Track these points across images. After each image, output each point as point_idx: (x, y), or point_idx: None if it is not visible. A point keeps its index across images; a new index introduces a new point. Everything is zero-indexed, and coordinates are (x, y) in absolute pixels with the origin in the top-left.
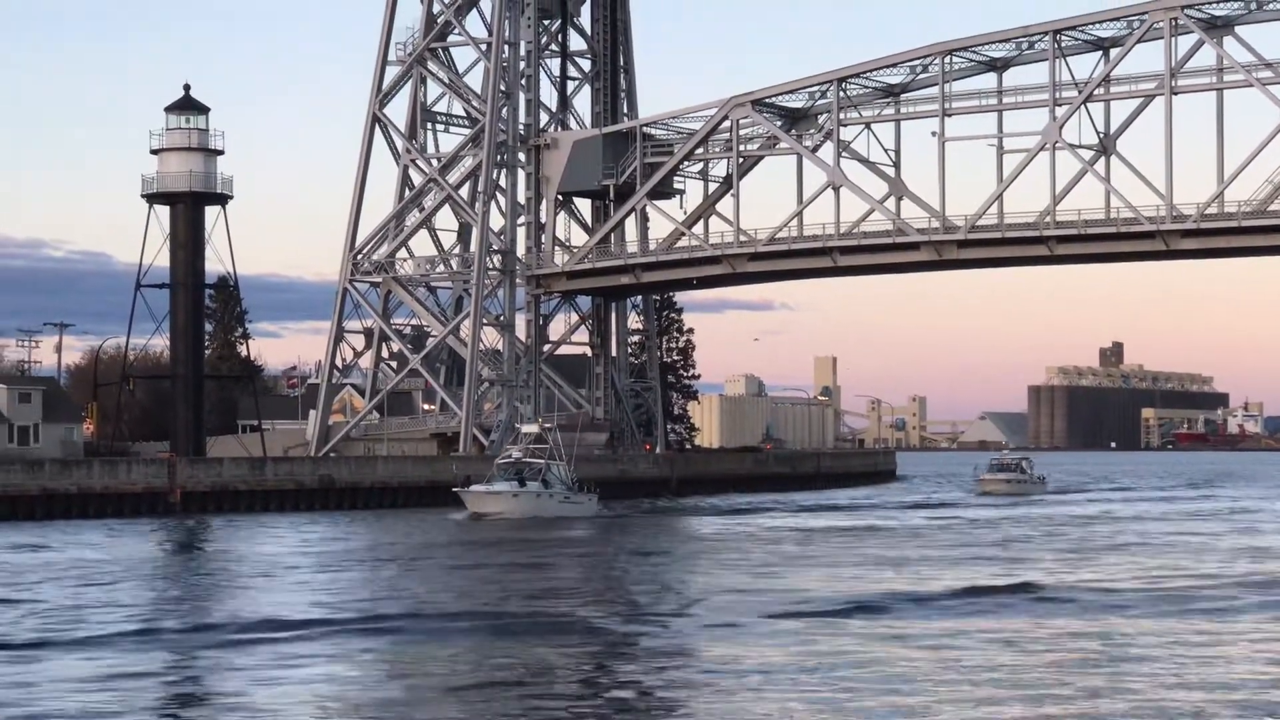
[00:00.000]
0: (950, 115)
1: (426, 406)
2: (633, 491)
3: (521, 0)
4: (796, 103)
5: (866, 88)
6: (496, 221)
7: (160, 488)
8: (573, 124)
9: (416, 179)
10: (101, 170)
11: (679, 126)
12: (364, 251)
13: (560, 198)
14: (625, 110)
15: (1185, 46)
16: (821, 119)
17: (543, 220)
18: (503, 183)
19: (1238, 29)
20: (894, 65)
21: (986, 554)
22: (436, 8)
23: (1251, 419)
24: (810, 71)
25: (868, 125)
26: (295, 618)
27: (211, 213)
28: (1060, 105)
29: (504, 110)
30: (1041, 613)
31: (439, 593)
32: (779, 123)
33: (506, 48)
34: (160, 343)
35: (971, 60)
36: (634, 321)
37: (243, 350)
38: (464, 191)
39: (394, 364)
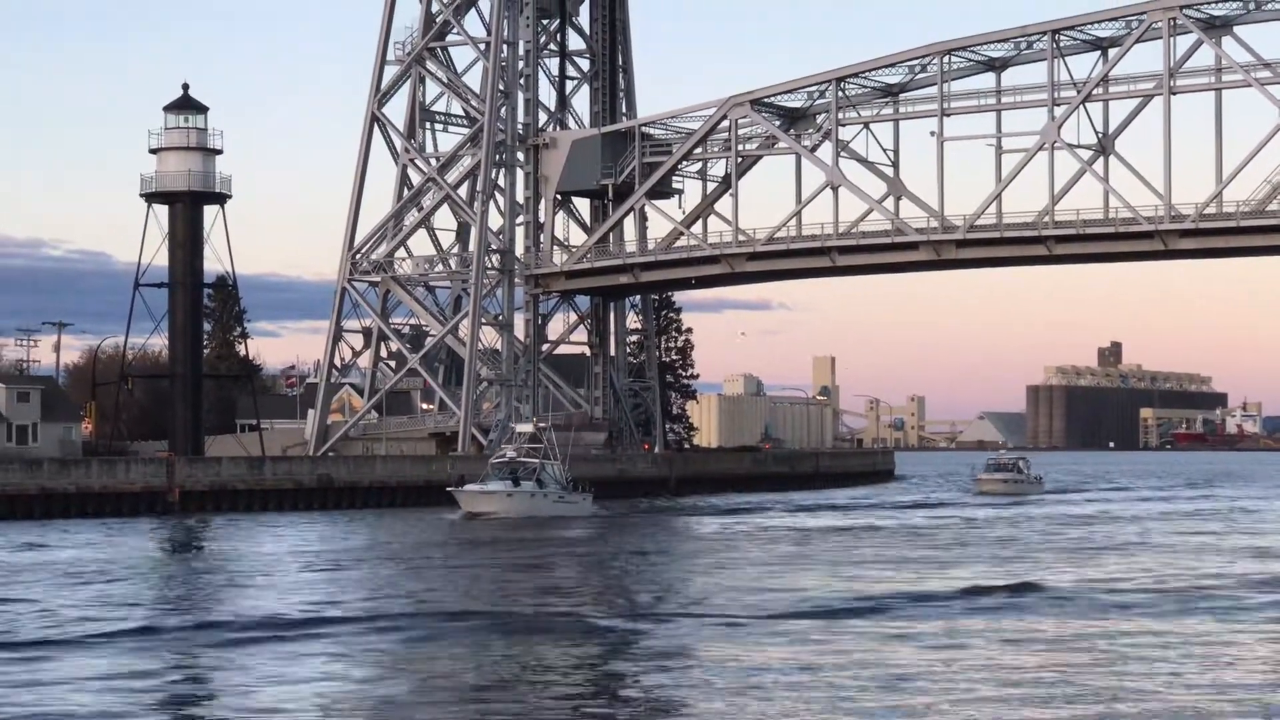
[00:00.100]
0: (949, 115)
1: (425, 406)
2: (631, 491)
3: (520, 0)
4: (795, 102)
5: (865, 87)
6: (495, 221)
7: (159, 487)
8: (571, 123)
9: (415, 178)
10: (100, 170)
11: (677, 126)
12: (362, 251)
13: (559, 197)
14: (624, 110)
15: (1184, 46)
16: (820, 119)
17: (541, 220)
18: (501, 182)
19: (1236, 29)
20: (893, 65)
21: (985, 554)
22: (435, 7)
23: (1250, 419)
24: (809, 71)
25: (866, 125)
26: (294, 617)
27: (210, 212)
28: (1059, 105)
29: (503, 110)
30: (1041, 613)
31: (436, 592)
32: (777, 122)
33: (505, 47)
34: (159, 342)
35: (970, 60)
36: (633, 321)
37: (241, 350)
38: (463, 191)
39: (392, 363)
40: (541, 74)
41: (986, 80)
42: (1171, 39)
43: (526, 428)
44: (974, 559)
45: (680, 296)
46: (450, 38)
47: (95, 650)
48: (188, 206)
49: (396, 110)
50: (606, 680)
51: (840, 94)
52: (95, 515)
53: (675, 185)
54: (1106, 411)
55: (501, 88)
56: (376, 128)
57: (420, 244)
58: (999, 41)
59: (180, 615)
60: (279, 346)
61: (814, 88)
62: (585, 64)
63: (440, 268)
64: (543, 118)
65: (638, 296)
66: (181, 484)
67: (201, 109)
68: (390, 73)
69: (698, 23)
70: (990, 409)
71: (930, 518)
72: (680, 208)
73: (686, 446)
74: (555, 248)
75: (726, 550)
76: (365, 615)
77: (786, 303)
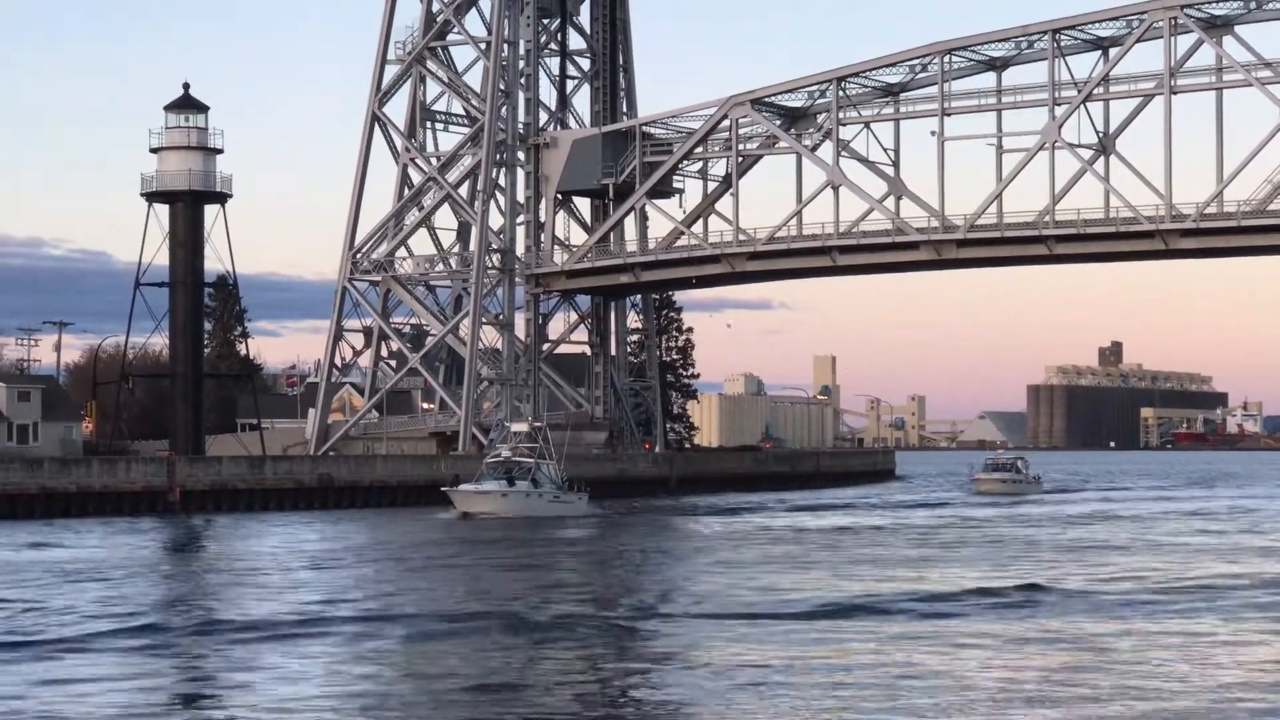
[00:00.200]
0: (949, 115)
1: (426, 405)
2: (632, 491)
3: (521, 0)
4: (796, 102)
5: (866, 87)
6: (496, 220)
7: (159, 486)
8: (572, 123)
9: (416, 178)
10: (101, 169)
11: (678, 126)
12: (363, 250)
13: (559, 197)
14: (624, 109)
15: (1184, 46)
16: (821, 118)
17: (542, 219)
18: (502, 182)
19: (1237, 28)
20: (893, 65)
21: (985, 554)
22: (436, 7)
23: (1251, 418)
24: (809, 71)
25: (867, 125)
26: (294, 617)
27: (211, 211)
28: (1059, 105)
29: (503, 109)
30: (1040, 613)
31: (435, 592)
32: (778, 122)
33: (506, 47)
34: (159, 341)
35: (971, 60)
36: (633, 320)
37: (242, 349)
38: (463, 190)
39: (393, 363)
40: (542, 73)
41: (987, 80)
42: (1172, 38)
43: (522, 427)
44: (974, 559)
45: (681, 296)
46: (451, 37)
47: (94, 650)
48: (188, 206)
49: (397, 110)
50: (606, 681)
51: (841, 93)
52: (96, 515)
53: (676, 185)
54: (1107, 411)
55: (502, 87)
56: (377, 127)
57: (421, 243)
58: (1000, 41)
59: (181, 615)
60: (280, 346)
61: (814, 87)
62: (586, 63)
63: (441, 267)
64: (543, 117)
65: (638, 296)
66: (182, 483)
67: (202, 108)
68: (391, 72)
69: (698, 22)
70: (991, 409)
71: (931, 518)
72: (681, 207)
73: (687, 446)
74: (556, 247)
75: (725, 550)
76: (365, 616)
77: (787, 302)
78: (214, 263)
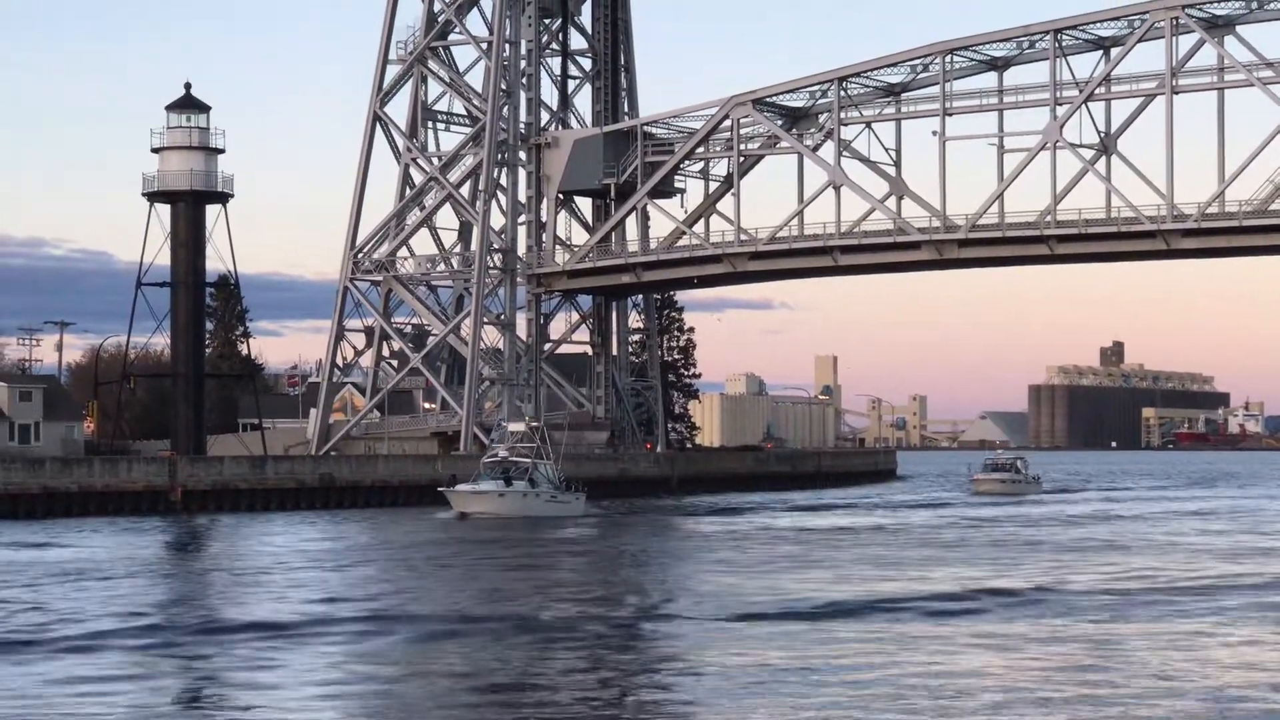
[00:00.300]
0: (951, 114)
1: (427, 405)
2: (633, 491)
3: None
4: (797, 102)
5: (867, 87)
6: (497, 220)
7: (161, 486)
8: (573, 123)
9: (417, 178)
10: (102, 169)
11: (680, 126)
12: (365, 250)
13: (561, 196)
14: (626, 109)
15: (1186, 46)
16: (822, 118)
17: (543, 219)
18: (503, 181)
19: (1239, 28)
20: (895, 64)
21: (984, 554)
22: (437, 6)
23: (1252, 419)
24: (811, 71)
25: (868, 124)
26: (294, 617)
27: (212, 211)
28: (1061, 105)
29: (505, 109)
30: (1041, 614)
31: (434, 592)
32: (780, 122)
33: (507, 46)
34: (161, 341)
35: (972, 59)
36: (635, 320)
37: (243, 349)
38: (465, 190)
39: (395, 363)
40: (544, 73)
41: (988, 80)
42: (1174, 38)
43: (519, 427)
44: (975, 559)
45: (682, 296)
46: (452, 37)
47: (95, 650)
48: (190, 206)
49: (399, 109)
50: (606, 682)
51: (842, 93)
52: (97, 514)
53: (677, 185)
54: (1108, 411)
55: (503, 87)
56: (379, 127)
57: (422, 243)
58: (1001, 41)
59: (180, 615)
60: (281, 346)
61: (816, 87)
62: (587, 63)
63: (442, 267)
64: (545, 117)
65: (640, 296)
66: (184, 483)
67: (204, 108)
68: (392, 72)
69: (700, 22)
70: (992, 408)
71: (932, 518)
72: (682, 207)
73: (689, 446)
74: (557, 247)
75: (725, 550)
76: (362, 616)
77: (789, 302)
78: (215, 263)
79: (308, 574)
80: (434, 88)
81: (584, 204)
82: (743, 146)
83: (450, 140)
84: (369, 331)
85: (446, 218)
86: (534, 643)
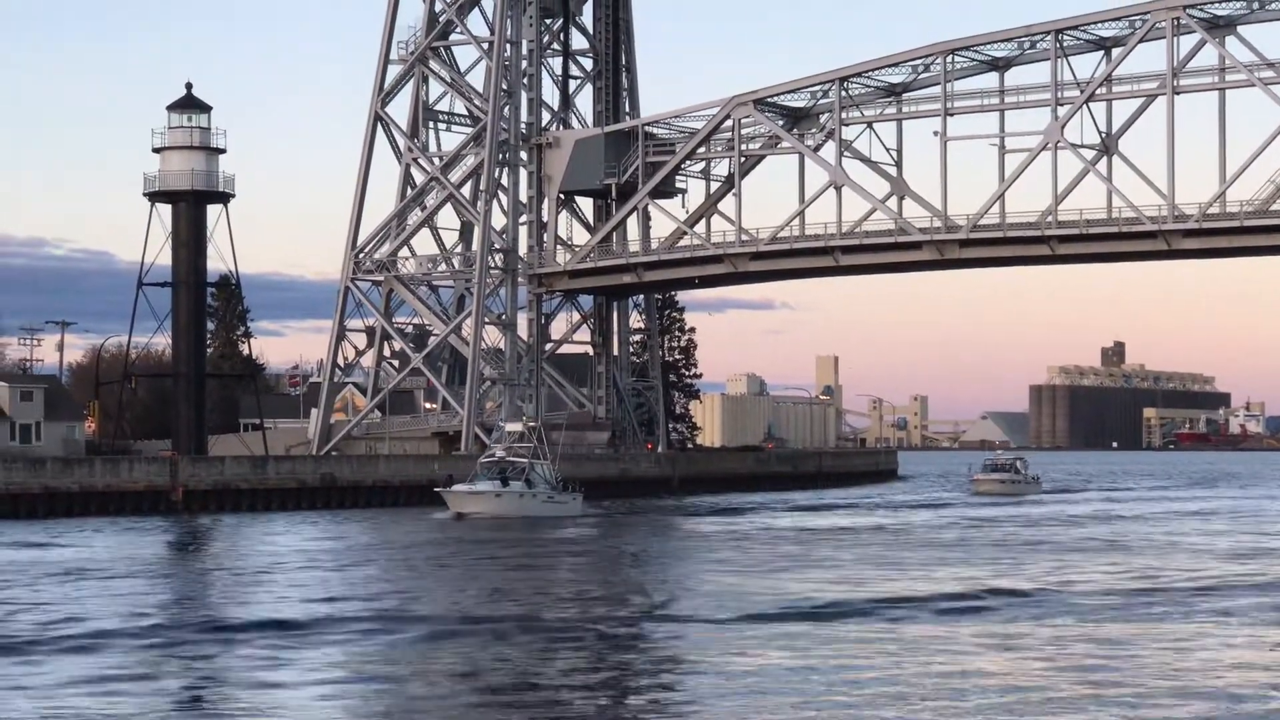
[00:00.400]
0: (952, 115)
1: (428, 405)
2: (634, 491)
3: None
4: (798, 102)
5: (868, 87)
6: (498, 220)
7: (162, 486)
8: (574, 123)
9: (418, 178)
10: (103, 169)
11: (681, 126)
12: (366, 250)
13: (562, 197)
14: (627, 109)
15: (1187, 46)
16: (823, 118)
17: (544, 219)
18: (504, 181)
19: (1240, 29)
20: (896, 65)
21: (984, 554)
22: (438, 6)
23: (1253, 419)
24: (812, 71)
25: (869, 125)
26: (296, 617)
27: (213, 211)
28: (1062, 105)
29: (506, 109)
30: (1042, 614)
31: (435, 593)
32: (781, 122)
33: (508, 46)
34: (162, 341)
35: (973, 60)
36: (636, 320)
37: (244, 349)
38: (466, 190)
39: (396, 363)
40: (544, 73)
41: (990, 80)
42: (1175, 39)
43: (516, 427)
44: (976, 560)
45: (683, 296)
46: (453, 37)
47: (96, 650)
48: (191, 206)
49: (400, 109)
50: (606, 682)
51: (843, 94)
52: (98, 514)
53: (678, 185)
54: (1109, 411)
55: (505, 87)
56: (380, 127)
57: (423, 243)
58: (1002, 41)
59: (181, 615)
60: (282, 346)
61: (817, 87)
62: (588, 63)
63: (443, 267)
64: (546, 117)
65: (641, 296)
66: (185, 483)
67: (205, 108)
68: (393, 72)
69: (701, 22)
70: (993, 409)
71: (933, 518)
72: (683, 207)
73: (690, 446)
74: (558, 247)
75: (726, 550)
76: (362, 616)
77: (790, 302)
78: (216, 262)
79: (308, 574)
80: (435, 88)
81: (585, 204)
82: (744, 146)
83: (451, 140)
84: (370, 331)
85: (448, 218)
86: (535, 643)
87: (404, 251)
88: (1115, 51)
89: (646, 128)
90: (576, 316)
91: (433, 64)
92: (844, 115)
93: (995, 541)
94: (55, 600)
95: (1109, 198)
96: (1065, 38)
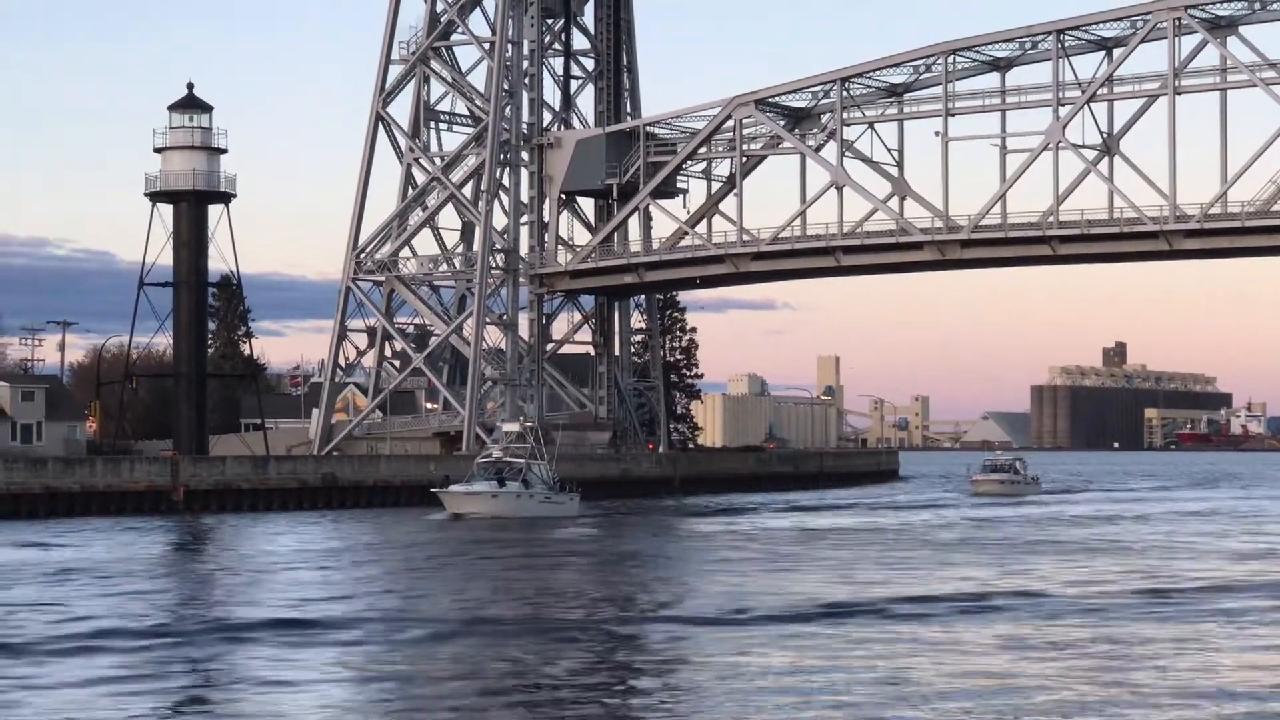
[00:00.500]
0: (953, 115)
1: (429, 405)
2: (635, 491)
3: (524, 0)
4: (799, 102)
5: (870, 87)
6: (500, 220)
7: (163, 486)
8: (576, 123)
9: (419, 178)
10: (104, 169)
11: (682, 126)
12: (367, 250)
13: (563, 197)
14: (628, 109)
15: (1189, 46)
16: (824, 118)
17: (546, 219)
18: (506, 182)
19: (1241, 29)
20: (897, 65)
21: (987, 555)
22: (440, 6)
23: (1255, 419)
24: (813, 71)
25: (871, 125)
26: (297, 617)
27: (215, 211)
28: (1063, 105)
29: (507, 109)
30: (1041, 615)
31: (435, 593)
32: (782, 122)
33: (510, 47)
34: (163, 341)
35: (975, 60)
36: (637, 321)
37: (246, 349)
38: (467, 190)
39: (397, 363)
40: (546, 73)
41: (991, 80)
42: (1176, 39)
43: (513, 427)
44: (977, 560)
45: (684, 296)
46: (455, 37)
47: (97, 650)
48: (192, 206)
49: (401, 109)
50: (607, 682)
51: (845, 94)
52: (100, 514)
53: (680, 185)
54: (1111, 412)
55: (506, 87)
56: (381, 127)
57: (424, 243)
58: (1004, 41)
59: (182, 615)
60: (283, 346)
61: (818, 87)
62: (590, 63)
63: (444, 267)
64: (547, 117)
65: (642, 296)
66: (186, 483)
67: (206, 108)
68: (395, 72)
69: (702, 22)
70: (994, 409)
71: (933, 518)
72: (685, 207)
73: (691, 446)
74: (560, 247)
75: (726, 550)
76: (363, 616)
77: (791, 303)
78: (217, 262)
79: (309, 574)
80: (436, 88)
81: (586, 204)
82: (745, 147)
83: (452, 140)
84: (371, 332)
85: (449, 218)
86: (536, 643)
87: (405, 251)
88: (1117, 52)
89: (648, 128)
90: (578, 317)
91: (434, 64)
92: (845, 115)
93: (997, 542)
94: (56, 600)
95: (1110, 198)
96: (1067, 38)
